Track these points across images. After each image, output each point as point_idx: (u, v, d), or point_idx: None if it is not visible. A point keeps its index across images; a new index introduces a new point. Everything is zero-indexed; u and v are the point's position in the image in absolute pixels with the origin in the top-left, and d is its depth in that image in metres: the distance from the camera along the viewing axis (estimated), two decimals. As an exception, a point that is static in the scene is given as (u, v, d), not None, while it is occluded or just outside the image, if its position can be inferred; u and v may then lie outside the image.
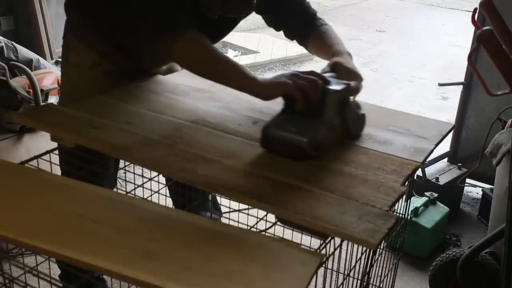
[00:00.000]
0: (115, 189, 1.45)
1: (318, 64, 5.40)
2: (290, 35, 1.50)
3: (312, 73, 1.16)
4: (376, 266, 1.26)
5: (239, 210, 1.58)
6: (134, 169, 1.38)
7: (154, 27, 1.17)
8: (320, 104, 1.12)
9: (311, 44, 1.45)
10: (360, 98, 1.27)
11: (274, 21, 1.49)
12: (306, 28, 1.45)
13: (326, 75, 1.20)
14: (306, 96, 1.11)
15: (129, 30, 1.23)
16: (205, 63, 1.20)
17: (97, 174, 1.13)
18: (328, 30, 1.44)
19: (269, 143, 1.12)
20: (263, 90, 1.17)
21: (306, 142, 1.07)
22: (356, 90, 1.20)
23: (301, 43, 1.49)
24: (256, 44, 5.89)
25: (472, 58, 1.65)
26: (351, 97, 1.21)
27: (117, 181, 1.53)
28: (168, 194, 1.40)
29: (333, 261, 1.01)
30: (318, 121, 1.12)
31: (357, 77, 1.24)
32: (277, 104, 1.37)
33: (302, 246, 0.85)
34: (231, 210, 1.54)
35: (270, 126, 1.12)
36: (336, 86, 1.15)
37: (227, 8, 1.27)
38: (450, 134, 1.51)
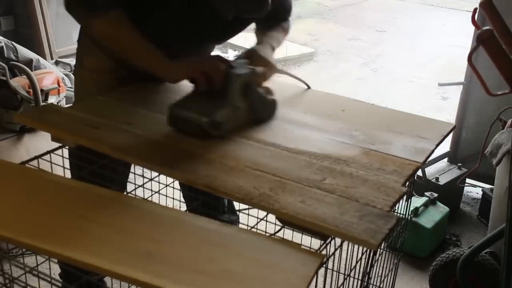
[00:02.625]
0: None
1: (318, 64, 5.41)
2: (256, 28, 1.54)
3: (217, 57, 1.25)
4: (377, 266, 1.26)
5: (239, 210, 1.58)
6: (134, 169, 1.38)
7: (78, 3, 1.22)
8: (224, 86, 1.19)
9: (256, 34, 1.52)
10: (360, 98, 1.27)
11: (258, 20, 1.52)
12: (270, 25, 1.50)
13: (238, 61, 1.27)
14: (208, 78, 1.19)
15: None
16: (119, 43, 1.25)
17: (105, 178, 1.13)
18: (278, 27, 1.51)
19: (174, 122, 1.18)
20: (169, 72, 1.26)
21: (206, 122, 1.14)
22: (262, 76, 1.28)
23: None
24: (256, 44, 5.88)
25: (472, 58, 1.65)
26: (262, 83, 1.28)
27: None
28: (168, 194, 1.40)
29: (333, 262, 1.00)
30: (221, 103, 1.19)
31: (268, 65, 1.33)
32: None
33: (302, 247, 0.85)
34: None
35: (176, 106, 1.19)
36: (240, 70, 1.21)
37: (240, 9, 1.27)
38: (450, 134, 1.51)
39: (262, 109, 1.27)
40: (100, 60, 1.39)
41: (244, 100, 1.22)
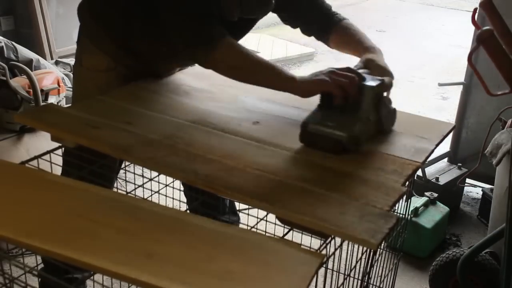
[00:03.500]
0: (114, 189, 1.45)
1: (318, 64, 5.40)
2: (307, 31, 1.51)
3: (348, 69, 1.21)
4: (376, 266, 1.26)
5: (239, 210, 1.58)
6: (134, 169, 1.38)
7: (191, 39, 1.21)
8: (357, 99, 1.18)
9: (334, 39, 1.48)
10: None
11: (289, 18, 1.50)
12: (325, 24, 1.46)
13: (360, 71, 1.24)
14: (344, 92, 1.16)
15: (161, 39, 1.28)
16: (242, 69, 1.24)
17: (102, 176, 1.13)
18: (350, 25, 1.48)
19: (308, 138, 1.16)
20: (302, 89, 1.22)
21: (345, 137, 1.12)
22: (389, 86, 1.25)
23: (320, 38, 1.50)
24: (256, 44, 5.88)
25: (472, 58, 1.65)
26: (385, 93, 1.25)
27: (117, 181, 1.53)
28: (168, 194, 1.40)
29: (333, 261, 1.00)
30: (355, 116, 1.17)
31: (388, 73, 1.28)
32: (275, 104, 1.38)
33: (302, 246, 0.85)
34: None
35: (309, 121, 1.16)
36: (371, 82, 1.20)
37: (246, 9, 1.29)
38: (450, 134, 1.51)
39: (388, 120, 1.27)
40: (99, 58, 1.39)
41: (374, 112, 1.21)
